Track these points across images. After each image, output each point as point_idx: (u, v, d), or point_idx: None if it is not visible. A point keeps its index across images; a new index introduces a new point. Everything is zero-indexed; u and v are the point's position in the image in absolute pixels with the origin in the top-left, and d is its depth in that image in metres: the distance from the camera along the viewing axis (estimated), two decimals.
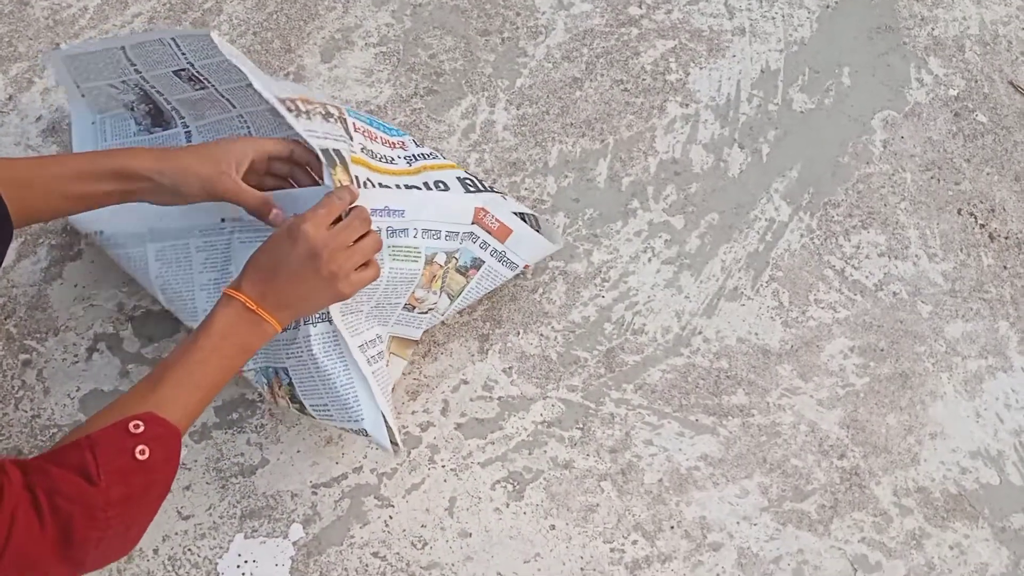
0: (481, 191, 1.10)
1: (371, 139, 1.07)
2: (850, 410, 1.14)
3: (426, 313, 1.07)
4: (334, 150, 0.96)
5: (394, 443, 0.98)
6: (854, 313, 1.20)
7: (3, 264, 0.91)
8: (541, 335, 1.17)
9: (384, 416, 0.98)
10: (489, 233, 1.09)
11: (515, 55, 1.36)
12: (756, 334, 1.18)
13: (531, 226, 1.12)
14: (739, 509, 1.08)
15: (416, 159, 1.10)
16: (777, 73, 1.37)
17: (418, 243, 1.02)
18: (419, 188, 1.06)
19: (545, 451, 1.10)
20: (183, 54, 1.00)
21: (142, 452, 0.77)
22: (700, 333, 1.18)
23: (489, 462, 1.10)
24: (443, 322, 1.16)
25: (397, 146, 1.10)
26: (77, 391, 1.11)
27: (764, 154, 1.31)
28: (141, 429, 0.78)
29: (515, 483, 1.09)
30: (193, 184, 0.92)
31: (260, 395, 1.11)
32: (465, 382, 1.14)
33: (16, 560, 0.71)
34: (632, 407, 1.13)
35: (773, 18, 1.41)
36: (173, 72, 1.03)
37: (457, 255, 1.07)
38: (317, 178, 1.00)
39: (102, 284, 1.17)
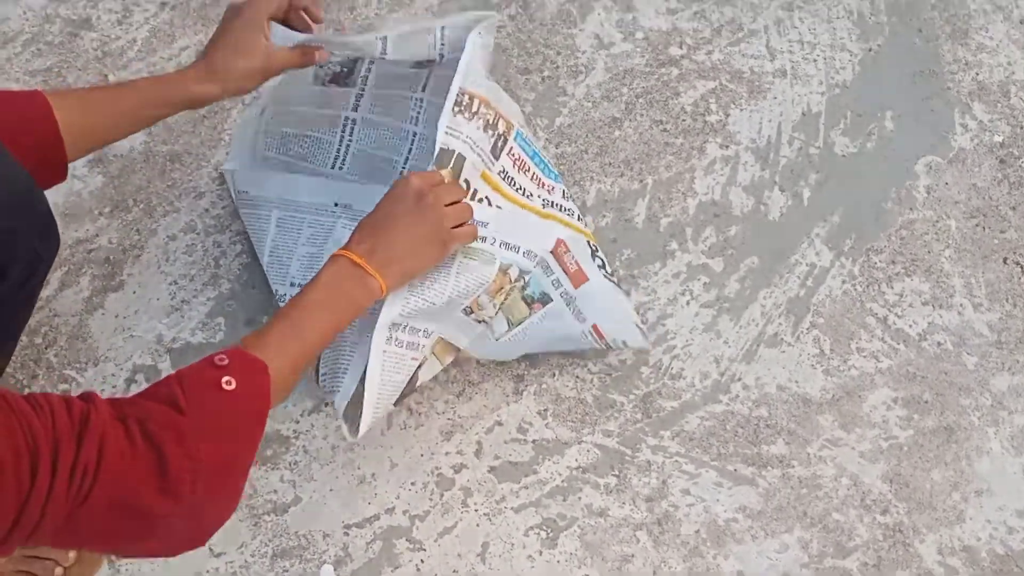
0: (603, 267, 1.11)
1: (521, 169, 1.09)
2: (893, 464, 1.12)
3: (480, 323, 1.06)
4: (458, 154, 0.99)
5: (353, 428, 0.96)
6: (897, 363, 1.18)
7: (44, 291, 0.94)
8: (577, 377, 1.16)
9: (364, 395, 0.95)
10: (565, 273, 1.09)
11: (555, 94, 1.36)
12: (796, 382, 1.16)
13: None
14: (779, 564, 1.06)
15: (552, 206, 1.12)
16: (819, 116, 1.36)
17: (495, 250, 1.03)
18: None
19: (580, 498, 1.09)
20: (442, 44, 1.04)
21: (228, 383, 0.76)
22: (739, 380, 1.16)
23: (523, 507, 1.08)
24: (478, 362, 1.15)
25: (543, 187, 1.13)
26: None
27: (805, 198, 1.29)
28: (226, 362, 0.77)
29: (549, 530, 1.07)
30: (250, 84, 1.00)
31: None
32: (499, 423, 1.13)
33: (112, 482, 0.69)
34: (669, 455, 1.11)
35: (815, 60, 1.40)
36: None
37: (527, 279, 1.07)
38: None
39: (142, 315, 1.17)
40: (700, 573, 1.05)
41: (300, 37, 1.00)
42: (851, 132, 1.35)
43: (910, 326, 1.21)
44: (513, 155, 1.08)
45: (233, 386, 0.76)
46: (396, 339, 0.98)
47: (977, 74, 1.40)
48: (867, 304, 1.22)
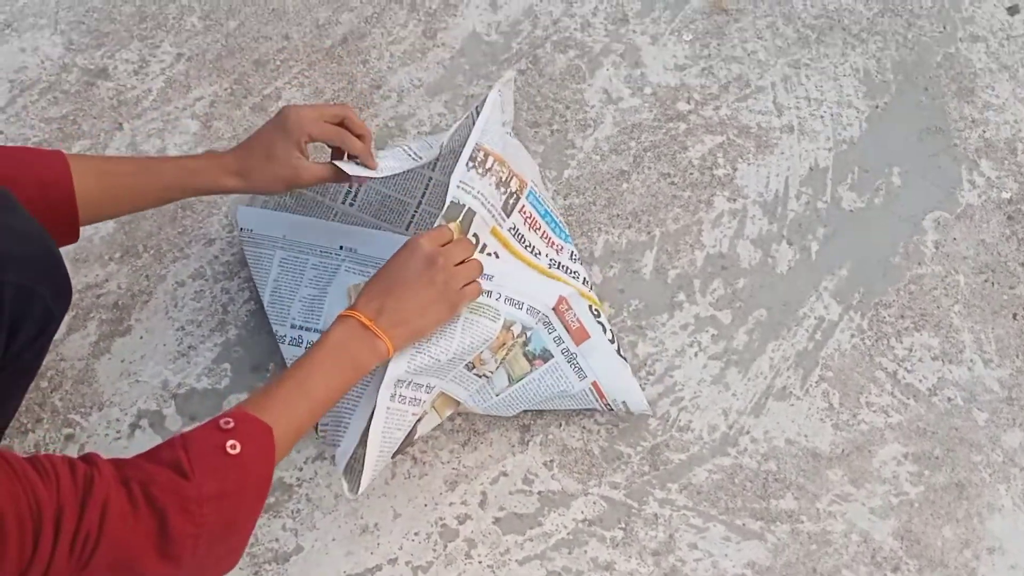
0: (605, 331, 1.11)
1: (532, 227, 1.11)
2: (904, 520, 1.10)
3: (480, 377, 1.06)
4: (468, 208, 1.01)
5: (354, 485, 0.95)
6: (907, 418, 1.17)
7: (56, 335, 0.93)
8: (584, 428, 1.15)
9: (365, 451, 0.94)
10: (567, 330, 1.09)
11: (563, 147, 1.37)
12: (806, 436, 1.15)
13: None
14: None
15: (558, 267, 1.14)
16: (826, 171, 1.37)
17: (500, 306, 1.03)
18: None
19: (585, 551, 1.07)
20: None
21: (233, 447, 0.76)
22: (748, 433, 1.15)
23: (527, 560, 1.06)
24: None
25: (553, 246, 1.14)
26: None
27: (813, 251, 1.29)
28: (231, 425, 0.77)
29: None
30: (277, 189, 1.02)
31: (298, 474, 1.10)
32: (505, 474, 1.12)
33: (113, 549, 0.69)
34: (676, 508, 1.10)
35: (822, 116, 1.42)
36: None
37: (529, 335, 1.07)
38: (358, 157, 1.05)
39: (149, 360, 1.17)
40: None
41: (357, 171, 1.03)
42: (858, 187, 1.36)
43: (920, 381, 1.20)
44: (525, 213, 1.10)
45: (238, 450, 0.76)
46: (400, 395, 0.98)
47: (984, 131, 1.41)
48: (876, 358, 1.21)
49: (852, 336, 1.23)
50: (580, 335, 1.09)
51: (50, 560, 0.66)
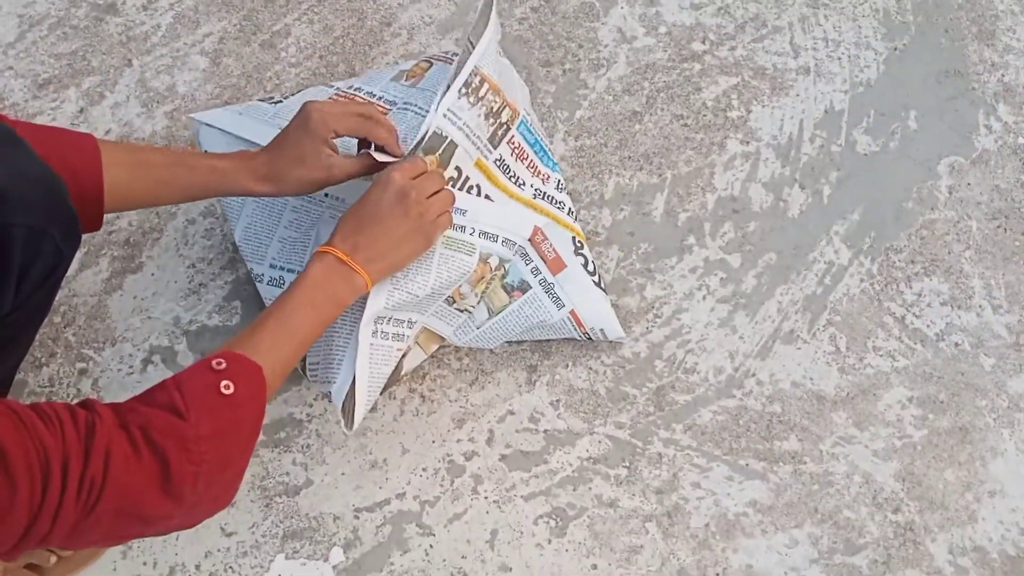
0: (586, 264, 1.12)
1: (520, 158, 1.11)
2: (907, 463, 1.11)
3: (462, 312, 1.07)
4: (450, 141, 1.00)
5: (349, 420, 0.97)
6: (914, 363, 1.17)
7: (68, 272, 0.94)
8: (590, 369, 1.16)
9: (354, 388, 0.96)
10: (543, 261, 1.10)
11: (576, 87, 1.36)
12: (811, 379, 1.16)
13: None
14: (788, 560, 1.06)
15: (544, 197, 1.13)
16: (841, 114, 1.35)
17: (474, 240, 1.04)
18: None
19: (590, 488, 1.09)
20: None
21: (227, 387, 0.78)
22: (753, 375, 1.16)
23: (532, 496, 1.08)
24: (492, 350, 1.15)
25: (539, 175, 1.13)
26: None
27: (825, 195, 1.28)
28: (223, 366, 0.79)
29: (558, 519, 1.07)
30: (307, 191, 0.98)
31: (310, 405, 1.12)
32: (511, 413, 1.13)
33: (118, 492, 0.71)
34: (680, 448, 1.11)
35: (839, 59, 1.39)
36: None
37: (507, 267, 1.08)
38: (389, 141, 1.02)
39: (160, 297, 1.18)
40: (708, 566, 1.05)
41: (387, 158, 0.98)
42: (874, 131, 1.34)
43: (928, 326, 1.20)
44: (513, 143, 1.09)
45: (232, 390, 0.78)
46: (382, 332, 0.99)
47: (1003, 75, 1.39)
48: (885, 303, 1.21)
49: (861, 281, 1.22)
50: (556, 265, 1.10)
51: (59, 505, 0.68)
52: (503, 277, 1.08)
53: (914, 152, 1.32)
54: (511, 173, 1.09)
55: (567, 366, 1.16)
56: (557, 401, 1.14)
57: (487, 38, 1.02)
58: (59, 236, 0.87)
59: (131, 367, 1.14)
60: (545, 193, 1.13)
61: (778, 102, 1.35)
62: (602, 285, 1.14)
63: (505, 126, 1.07)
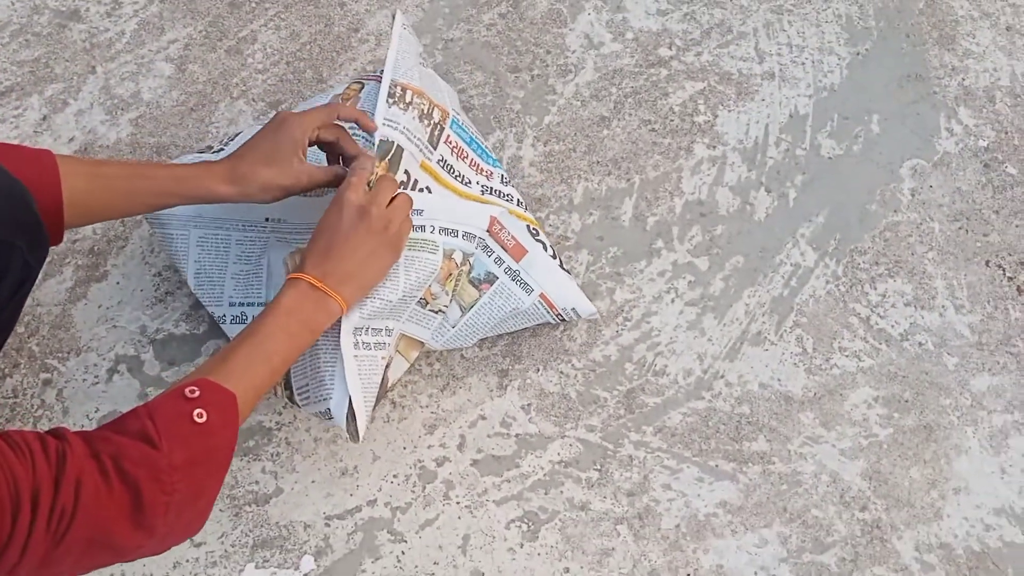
0: (546, 247, 1.13)
1: (460, 157, 1.12)
2: (873, 461, 1.12)
3: (436, 313, 1.07)
4: (397, 146, 1.03)
5: (353, 433, 0.97)
6: (879, 362, 1.19)
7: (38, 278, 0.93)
8: (561, 373, 1.16)
9: (351, 400, 0.96)
10: (504, 249, 1.11)
11: (544, 92, 1.36)
12: (779, 380, 1.17)
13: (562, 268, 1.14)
14: (757, 559, 1.07)
15: (491, 192, 1.14)
16: (806, 118, 1.37)
17: (436, 238, 1.04)
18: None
19: (561, 491, 1.09)
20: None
21: (199, 415, 0.77)
22: (722, 377, 1.17)
23: (504, 500, 1.08)
24: (462, 355, 1.15)
25: (482, 172, 1.15)
26: (96, 412, 1.11)
27: (791, 198, 1.30)
28: (197, 394, 0.78)
29: (530, 523, 1.07)
30: (270, 197, 0.97)
31: (280, 410, 1.11)
32: (483, 418, 1.13)
33: (89, 523, 0.70)
34: (651, 450, 1.12)
35: (803, 64, 1.41)
36: None
37: (472, 260, 1.09)
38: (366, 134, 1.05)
39: (126, 306, 1.17)
40: (680, 567, 1.06)
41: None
42: (837, 135, 1.36)
43: (892, 326, 1.21)
44: (450, 143, 1.11)
45: (205, 419, 0.77)
46: (363, 343, 0.99)
47: (963, 79, 1.41)
48: (850, 304, 1.23)
49: (827, 282, 1.24)
50: (518, 252, 1.11)
51: (28, 536, 0.67)
52: (469, 272, 1.09)
53: (877, 155, 1.34)
54: (456, 173, 1.11)
55: (538, 370, 1.16)
56: (528, 405, 1.14)
57: (393, 52, 1.05)
58: (26, 248, 0.85)
59: (96, 377, 1.13)
60: (492, 188, 1.15)
61: (744, 107, 1.37)
62: (565, 267, 1.15)
63: (439, 126, 1.10)
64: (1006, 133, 1.37)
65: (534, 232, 1.14)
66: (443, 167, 1.09)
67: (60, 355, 1.14)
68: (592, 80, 1.38)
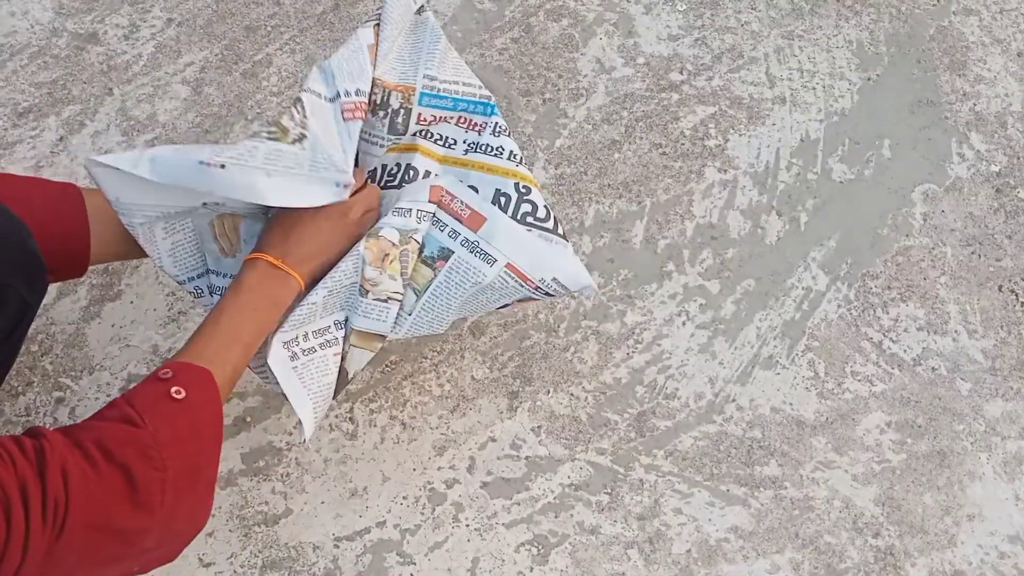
0: (533, 212, 1.01)
1: (439, 121, 1.06)
2: (886, 487, 1.11)
3: (386, 302, 0.98)
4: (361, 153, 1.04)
5: (302, 432, 0.92)
6: (891, 387, 1.18)
7: (45, 300, 0.94)
8: (572, 395, 1.16)
9: (294, 406, 0.91)
10: (459, 220, 1.00)
11: (555, 116, 1.37)
12: (791, 404, 1.16)
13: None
14: None
15: (477, 148, 1.04)
16: (817, 143, 1.37)
17: (386, 219, 0.98)
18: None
19: (572, 515, 1.08)
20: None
21: (177, 392, 0.77)
22: (733, 401, 1.16)
23: (514, 523, 1.08)
24: (473, 377, 1.15)
25: (473, 128, 1.05)
26: None
27: (802, 222, 1.30)
28: (170, 375, 0.79)
29: (540, 546, 1.07)
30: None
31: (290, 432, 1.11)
32: (493, 439, 1.13)
33: (84, 508, 0.70)
34: (662, 474, 1.11)
35: (814, 88, 1.42)
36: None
37: (418, 238, 0.99)
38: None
39: (139, 325, 1.18)
40: None
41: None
42: (849, 159, 1.36)
43: (905, 351, 1.21)
44: (423, 120, 1.05)
45: (183, 395, 0.78)
46: (305, 349, 0.94)
47: (975, 104, 1.41)
48: (862, 328, 1.22)
49: (839, 307, 1.23)
50: (474, 220, 1.00)
51: (26, 534, 0.67)
52: (421, 251, 0.99)
53: (888, 180, 1.34)
54: (435, 137, 1.05)
55: (548, 392, 1.16)
56: (539, 427, 1.14)
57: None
58: (24, 288, 0.85)
59: (109, 395, 1.13)
60: (479, 144, 1.04)
61: (755, 131, 1.37)
62: (560, 231, 1.01)
63: (402, 108, 1.04)
64: (1018, 158, 1.37)
65: (525, 190, 1.01)
66: (423, 136, 1.04)
67: (73, 374, 1.15)
68: (604, 104, 1.39)
